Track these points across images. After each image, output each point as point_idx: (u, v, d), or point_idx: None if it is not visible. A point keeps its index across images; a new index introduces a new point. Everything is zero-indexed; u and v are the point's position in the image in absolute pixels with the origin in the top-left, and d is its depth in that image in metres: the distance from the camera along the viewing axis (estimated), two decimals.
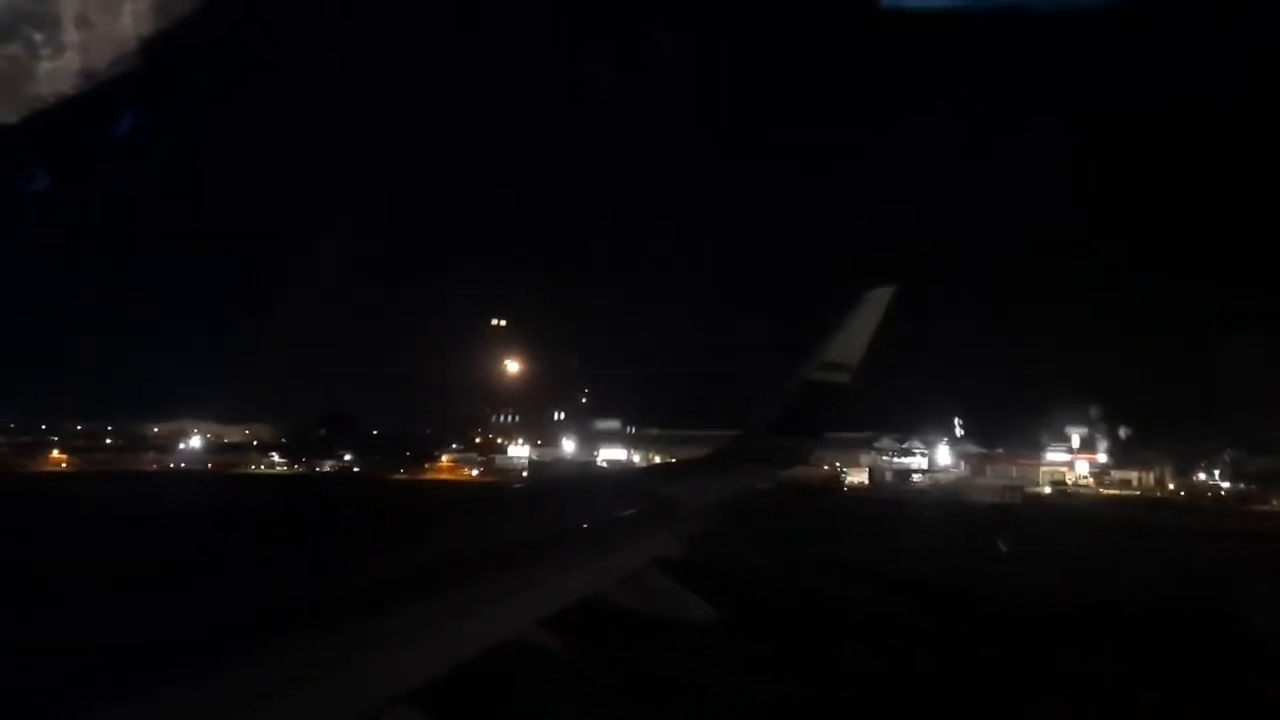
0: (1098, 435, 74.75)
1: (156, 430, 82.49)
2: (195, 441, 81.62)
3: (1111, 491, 69.36)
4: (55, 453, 74.13)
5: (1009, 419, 75.19)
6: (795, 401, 9.68)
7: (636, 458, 71.90)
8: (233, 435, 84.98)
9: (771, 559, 18.50)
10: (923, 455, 77.90)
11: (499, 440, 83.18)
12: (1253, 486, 62.18)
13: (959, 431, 77.35)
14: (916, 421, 75.66)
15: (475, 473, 73.00)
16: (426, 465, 77.18)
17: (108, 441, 79.59)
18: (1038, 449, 75.33)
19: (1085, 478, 73.10)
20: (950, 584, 17.86)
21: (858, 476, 73.60)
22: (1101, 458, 74.37)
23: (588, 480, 20.66)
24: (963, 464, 76.72)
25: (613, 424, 77.50)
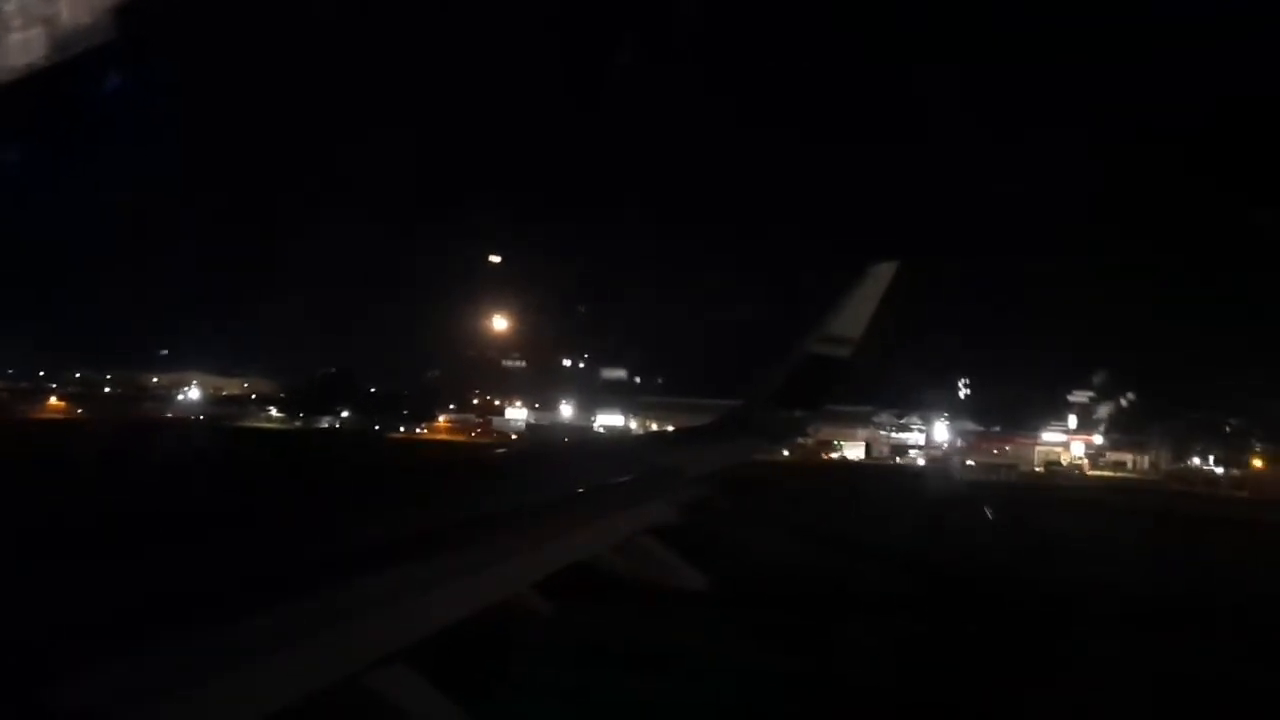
0: (1095, 417, 75.13)
1: (156, 380, 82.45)
2: (194, 393, 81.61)
3: (1104, 473, 69.72)
4: (53, 400, 74.14)
5: (1008, 398, 75.39)
6: (796, 374, 9.67)
7: (635, 425, 71.98)
8: (231, 388, 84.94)
9: (766, 530, 18.59)
10: (921, 431, 78.09)
11: (497, 402, 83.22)
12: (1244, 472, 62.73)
13: (957, 409, 77.56)
14: (916, 398, 75.80)
15: (472, 434, 73.24)
16: (424, 425, 77.24)
17: (106, 390, 79.56)
18: (1035, 429, 75.70)
19: (1080, 459, 73.48)
20: (944, 560, 17.98)
21: (855, 451, 73.89)
22: (1098, 439, 74.73)
23: (584, 445, 20.66)
24: (960, 441, 76.95)
25: (613, 384, 77.50)
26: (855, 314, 9.88)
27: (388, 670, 3.90)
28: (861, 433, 74.43)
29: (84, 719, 2.77)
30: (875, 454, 73.91)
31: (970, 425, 77.92)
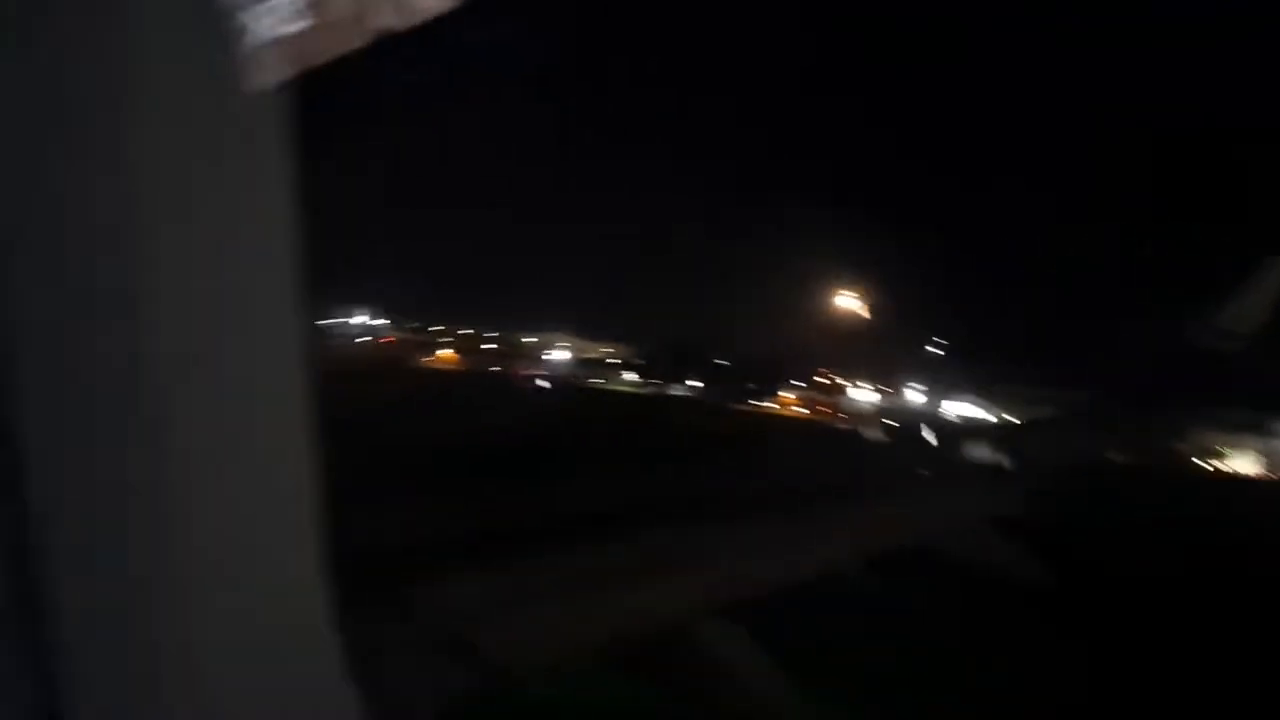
0: None
1: (529, 340, 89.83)
2: (561, 354, 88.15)
3: None
4: (444, 352, 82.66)
5: None
6: (1173, 369, 8.78)
7: (988, 414, 68.20)
8: (594, 352, 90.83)
9: (1116, 532, 16.86)
10: None
11: (842, 381, 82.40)
12: None
13: None
14: None
15: (815, 411, 72.81)
16: (768, 399, 78.13)
17: (485, 346, 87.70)
18: None
19: None
20: None
21: (1242, 463, 64.89)
22: None
23: (931, 428, 20.03)
24: None
25: (960, 376, 73.94)
26: (1254, 305, 8.78)
27: (716, 622, 4.08)
28: (1254, 441, 65.35)
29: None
30: (1272, 467, 64.64)
31: None
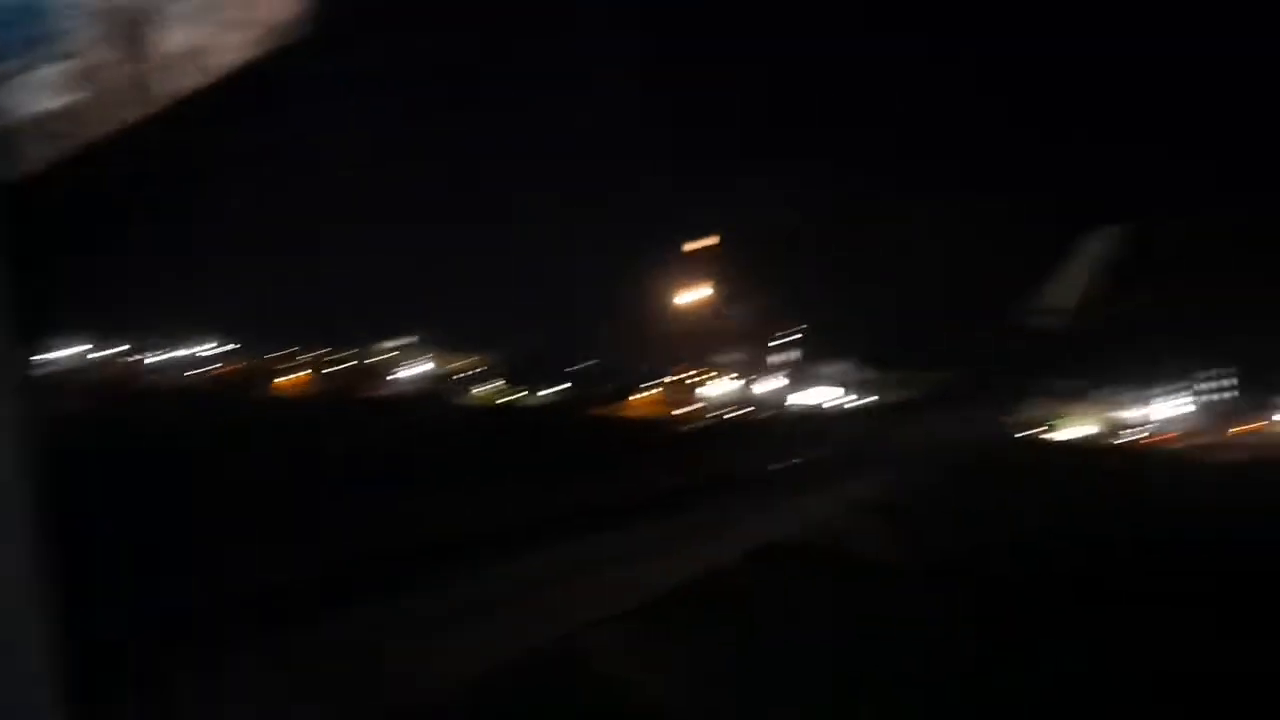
0: None
1: (384, 356, 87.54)
2: (421, 367, 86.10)
3: None
4: (292, 375, 79.56)
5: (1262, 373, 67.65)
6: (1010, 345, 9.29)
7: (851, 397, 69.80)
8: (456, 363, 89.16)
9: (979, 509, 17.52)
10: (1146, 408, 72.06)
11: (701, 375, 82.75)
12: None
13: (1196, 383, 70.97)
14: (1146, 371, 69.73)
15: (675, 409, 73.01)
16: (626, 400, 77.89)
17: (341, 365, 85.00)
18: None
19: None
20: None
21: (1074, 428, 68.86)
22: None
23: (787, 420, 20.54)
24: (1197, 419, 70.50)
25: (828, 366, 75.40)
26: (1072, 282, 9.36)
27: (599, 632, 4.11)
28: (1080, 409, 69.47)
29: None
30: (1100, 433, 68.83)
31: (1211, 400, 71.23)
